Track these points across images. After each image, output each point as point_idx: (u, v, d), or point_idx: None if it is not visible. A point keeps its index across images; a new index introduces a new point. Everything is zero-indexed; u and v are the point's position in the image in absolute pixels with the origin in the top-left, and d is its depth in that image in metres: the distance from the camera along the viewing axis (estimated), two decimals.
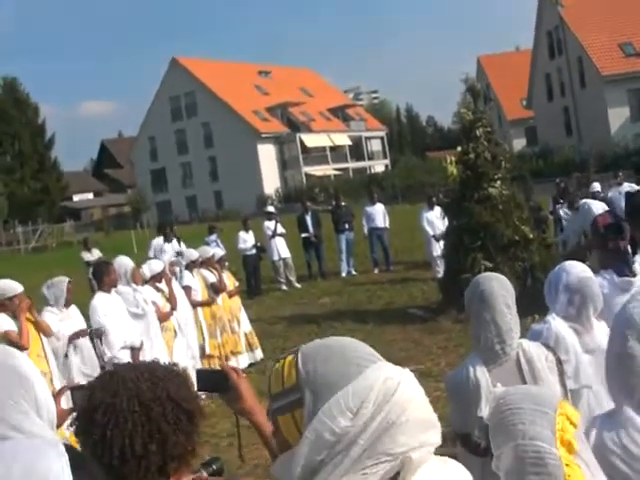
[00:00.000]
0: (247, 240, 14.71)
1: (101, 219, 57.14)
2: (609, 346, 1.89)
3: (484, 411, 2.51)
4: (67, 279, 6.40)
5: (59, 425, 2.25)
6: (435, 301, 10.83)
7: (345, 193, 24.99)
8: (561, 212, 12.26)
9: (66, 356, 6.16)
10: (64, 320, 6.23)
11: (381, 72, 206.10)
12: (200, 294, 8.81)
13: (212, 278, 9.13)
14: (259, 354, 9.49)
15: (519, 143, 50.50)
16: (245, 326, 9.55)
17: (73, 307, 6.47)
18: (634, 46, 37.66)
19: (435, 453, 1.23)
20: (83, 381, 5.16)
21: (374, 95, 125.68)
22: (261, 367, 8.80)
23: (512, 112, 53.21)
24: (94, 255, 15.70)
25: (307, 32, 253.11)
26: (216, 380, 1.91)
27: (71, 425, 1.54)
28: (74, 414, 1.57)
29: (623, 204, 7.11)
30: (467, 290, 2.82)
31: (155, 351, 7.18)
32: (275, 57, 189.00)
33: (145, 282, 7.65)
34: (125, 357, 6.46)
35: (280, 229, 15.19)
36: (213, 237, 15.04)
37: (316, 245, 15.62)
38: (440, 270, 13.44)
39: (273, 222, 15.19)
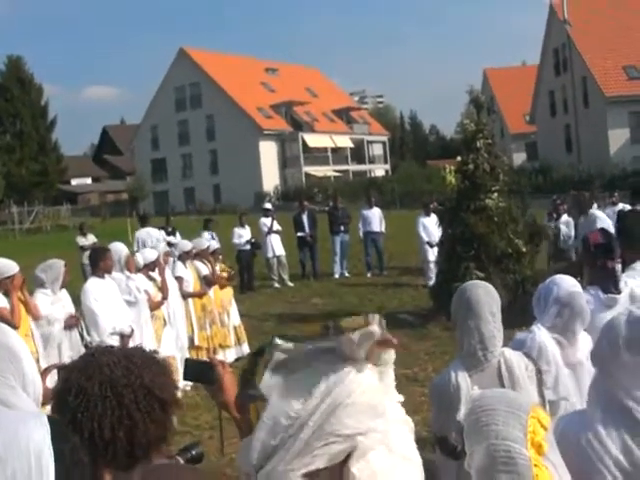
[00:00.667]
0: (242, 235, 14.75)
1: (98, 205, 57.06)
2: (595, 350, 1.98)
3: (462, 415, 2.57)
4: (63, 262, 6.41)
5: (44, 404, 2.28)
6: (425, 308, 10.88)
7: (344, 195, 25.01)
8: (562, 226, 12.33)
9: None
10: (55, 303, 6.25)
11: (388, 77, 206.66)
12: (192, 285, 8.84)
13: (205, 270, 9.16)
14: (246, 349, 9.51)
15: (519, 157, 50.63)
16: (235, 319, 9.59)
17: (63, 291, 6.48)
18: (638, 69, 37.90)
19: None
20: None
21: (379, 100, 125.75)
22: None
23: (515, 126, 53.36)
24: (89, 240, 15.70)
25: (317, 32, 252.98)
26: (202, 371, 1.95)
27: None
28: None
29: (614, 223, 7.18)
30: (454, 296, 2.88)
31: (144, 339, 7.22)
32: (283, 55, 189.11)
33: (138, 270, 7.68)
34: (114, 343, 6.49)
35: (276, 226, 15.23)
36: (207, 234, 15.15)
37: (311, 245, 15.65)
38: (432, 276, 13.54)
39: (270, 219, 15.23)
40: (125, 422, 1.47)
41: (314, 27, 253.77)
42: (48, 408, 2.47)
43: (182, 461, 2.04)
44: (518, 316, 4.73)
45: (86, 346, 6.31)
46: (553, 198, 14.26)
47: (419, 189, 35.59)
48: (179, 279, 8.62)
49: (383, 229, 15.89)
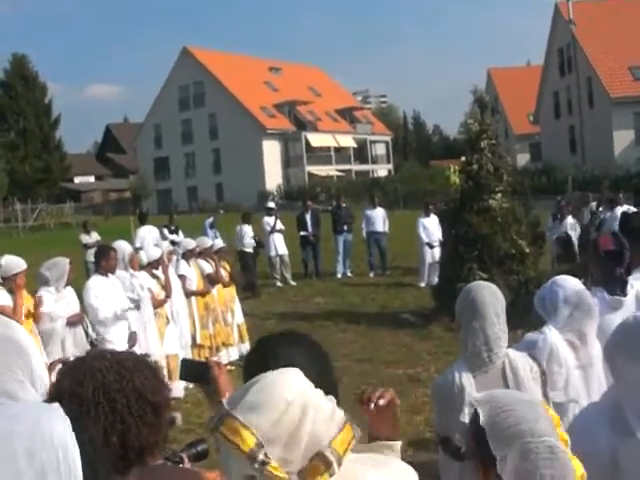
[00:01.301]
0: (245, 234, 14.74)
1: (101, 203, 57.07)
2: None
3: (467, 416, 2.56)
4: (68, 260, 6.41)
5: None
6: (428, 308, 10.87)
7: (347, 195, 24.97)
8: (570, 232, 12.37)
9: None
10: (58, 301, 6.26)
11: (391, 77, 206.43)
12: (195, 284, 8.83)
13: (208, 269, 9.15)
14: (246, 348, 9.50)
15: (523, 158, 50.51)
16: (238, 317, 9.59)
17: (69, 288, 6.50)
18: None
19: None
20: None
21: (382, 99, 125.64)
22: None
23: (519, 127, 53.25)
24: (92, 238, 15.73)
25: (321, 32, 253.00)
26: (198, 371, 1.97)
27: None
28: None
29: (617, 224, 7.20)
30: (459, 297, 2.87)
31: (148, 337, 7.23)
32: (286, 55, 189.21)
33: (141, 268, 7.69)
34: (121, 341, 6.53)
35: (279, 225, 15.23)
36: (210, 220, 15.59)
37: (314, 244, 15.65)
38: (425, 277, 13.60)
39: (273, 218, 15.23)
40: (118, 427, 1.48)
41: (318, 26, 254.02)
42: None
43: (186, 458, 2.05)
44: (521, 317, 4.74)
45: (91, 343, 6.34)
46: (557, 199, 14.26)
47: (422, 189, 35.52)
48: (182, 277, 8.62)
49: (386, 229, 15.88)
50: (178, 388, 7.00)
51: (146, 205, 46.29)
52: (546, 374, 2.78)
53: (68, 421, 0.94)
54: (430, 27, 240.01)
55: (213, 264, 9.20)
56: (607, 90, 37.17)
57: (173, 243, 12.65)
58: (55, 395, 1.50)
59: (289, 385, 1.21)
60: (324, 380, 1.37)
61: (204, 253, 9.23)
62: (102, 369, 1.52)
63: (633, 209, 9.91)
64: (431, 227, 13.84)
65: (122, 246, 7.48)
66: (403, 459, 1.49)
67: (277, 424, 1.17)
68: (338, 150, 55.10)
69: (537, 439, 1.43)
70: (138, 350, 6.50)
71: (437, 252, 13.39)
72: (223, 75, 52.75)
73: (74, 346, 6.12)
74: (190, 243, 9.23)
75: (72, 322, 6.27)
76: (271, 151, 51.64)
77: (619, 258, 3.58)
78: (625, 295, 3.58)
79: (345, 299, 13.10)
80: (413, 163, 60.75)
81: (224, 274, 9.40)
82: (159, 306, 7.67)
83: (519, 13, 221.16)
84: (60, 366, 2.46)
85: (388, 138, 61.71)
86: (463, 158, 10.56)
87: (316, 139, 52.72)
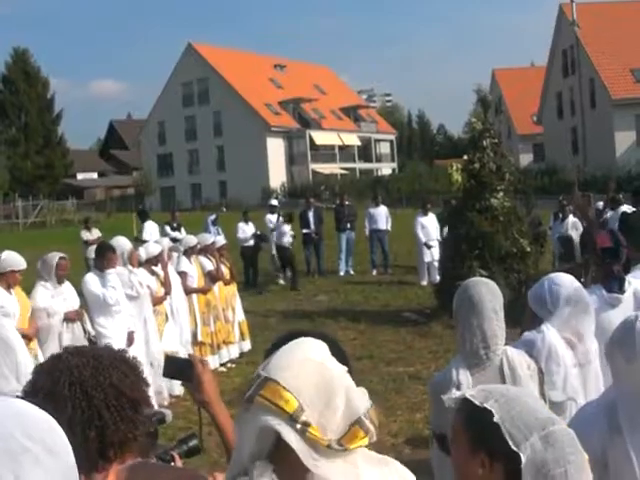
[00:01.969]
0: (246, 231, 14.75)
1: (103, 199, 57.06)
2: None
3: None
4: (58, 255, 6.36)
5: None
6: (429, 306, 10.88)
7: (350, 193, 24.98)
8: (572, 232, 12.34)
9: None
10: (55, 296, 6.24)
11: (396, 76, 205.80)
12: (196, 281, 8.81)
13: (209, 266, 9.13)
14: (247, 345, 9.50)
15: (526, 158, 50.46)
16: (239, 315, 9.58)
17: (67, 284, 6.48)
18: None
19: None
20: None
21: (387, 98, 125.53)
22: (251, 358, 8.80)
23: (522, 127, 53.18)
24: (93, 235, 15.72)
25: (326, 29, 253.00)
26: (181, 368, 1.97)
27: None
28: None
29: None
30: (456, 294, 2.84)
31: (147, 334, 7.23)
32: (291, 52, 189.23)
33: (140, 264, 7.66)
34: (120, 338, 6.53)
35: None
36: (212, 217, 15.56)
37: (316, 242, 15.65)
38: (425, 276, 13.61)
39: (276, 215, 15.23)
40: (96, 422, 1.47)
41: (323, 24, 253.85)
42: None
43: (177, 455, 2.03)
44: (521, 315, 4.71)
45: (89, 339, 6.33)
46: (559, 199, 14.22)
47: (426, 188, 35.52)
48: (183, 274, 8.60)
49: (389, 227, 15.89)
50: (178, 386, 6.99)
51: (149, 202, 46.32)
52: (543, 372, 2.77)
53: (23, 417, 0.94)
54: (436, 27, 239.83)
55: (214, 261, 9.18)
56: (609, 92, 37.18)
57: (175, 240, 12.66)
58: (31, 393, 1.48)
59: (319, 349, 1.30)
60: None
61: (205, 250, 9.21)
62: (79, 365, 1.51)
63: (633, 209, 9.96)
64: (429, 226, 13.83)
65: (121, 242, 7.46)
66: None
67: (315, 387, 1.23)
68: (342, 148, 55.10)
69: (558, 426, 1.42)
70: (137, 348, 6.50)
71: (435, 252, 13.39)
72: (228, 72, 52.72)
73: (72, 342, 6.12)
74: (191, 240, 9.21)
75: (70, 318, 6.26)
76: (275, 149, 51.63)
77: (616, 255, 3.58)
78: (623, 292, 3.58)
79: (347, 297, 13.10)
80: (417, 162, 60.79)
81: (225, 271, 9.39)
82: (158, 303, 7.66)
83: (524, 14, 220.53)
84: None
85: (392, 137, 61.68)
86: (465, 156, 10.58)
87: (320, 137, 52.71)
